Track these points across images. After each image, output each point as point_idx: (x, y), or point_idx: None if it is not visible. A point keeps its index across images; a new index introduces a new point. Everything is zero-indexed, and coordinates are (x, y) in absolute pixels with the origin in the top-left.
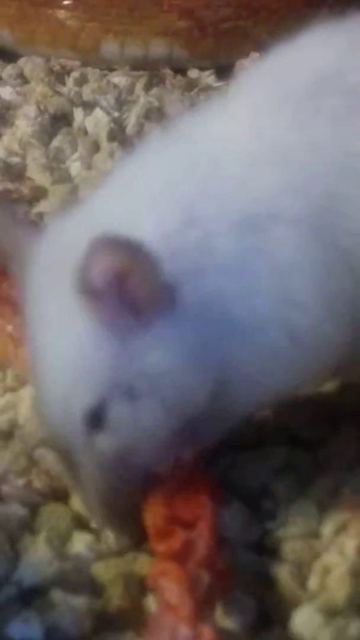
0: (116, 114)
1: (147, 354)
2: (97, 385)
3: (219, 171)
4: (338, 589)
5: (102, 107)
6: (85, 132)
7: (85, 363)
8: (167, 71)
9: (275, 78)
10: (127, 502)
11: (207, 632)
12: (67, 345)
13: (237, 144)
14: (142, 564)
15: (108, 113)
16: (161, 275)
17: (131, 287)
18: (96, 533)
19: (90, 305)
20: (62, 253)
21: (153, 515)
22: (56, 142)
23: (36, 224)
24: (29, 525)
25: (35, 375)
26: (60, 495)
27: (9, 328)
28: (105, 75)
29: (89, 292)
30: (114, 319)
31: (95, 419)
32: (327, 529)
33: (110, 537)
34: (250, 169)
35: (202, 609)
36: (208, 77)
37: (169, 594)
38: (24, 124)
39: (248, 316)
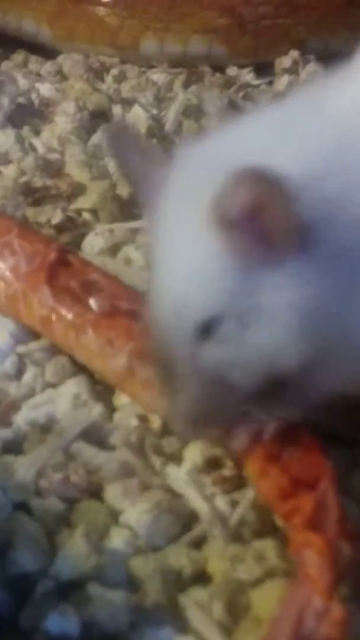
0: (155, 111)
1: (270, 290)
2: (215, 302)
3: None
4: None
5: (140, 104)
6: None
7: (210, 280)
8: (206, 68)
9: None
10: (214, 418)
11: (337, 610)
12: (195, 261)
13: None
14: (180, 558)
15: (146, 110)
16: (299, 215)
17: (267, 221)
18: (133, 529)
19: (224, 233)
20: (199, 176)
21: (273, 476)
22: (95, 138)
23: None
24: (66, 520)
25: (155, 284)
26: (97, 491)
27: (70, 316)
28: (144, 73)
29: (225, 220)
30: (245, 249)
31: (206, 330)
32: None
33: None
34: None
35: (338, 584)
36: (247, 75)
37: (310, 566)
38: (63, 121)
39: None
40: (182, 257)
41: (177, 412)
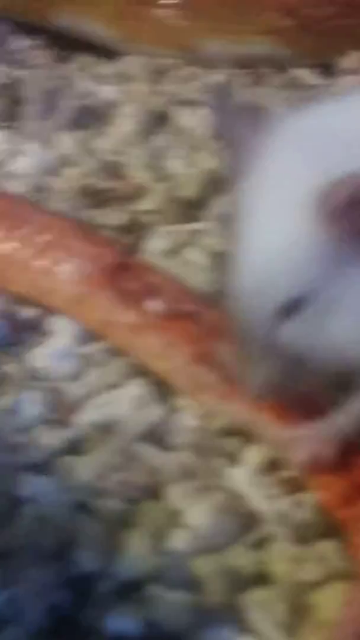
0: None
1: (357, 284)
2: (303, 284)
3: None
4: None
5: (202, 106)
6: (186, 131)
7: (301, 262)
8: (268, 70)
9: None
10: (288, 388)
11: None
12: (288, 240)
13: None
14: (241, 559)
15: (209, 112)
16: None
17: None
18: (194, 529)
19: (323, 221)
20: (302, 156)
21: (332, 483)
22: (156, 141)
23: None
24: (126, 520)
25: (243, 256)
26: (157, 491)
27: (131, 319)
28: (206, 74)
29: (326, 209)
30: (342, 239)
31: (291, 309)
32: None
33: None
34: None
35: None
36: (309, 76)
37: None
38: (125, 123)
39: None
40: (276, 234)
41: (254, 380)
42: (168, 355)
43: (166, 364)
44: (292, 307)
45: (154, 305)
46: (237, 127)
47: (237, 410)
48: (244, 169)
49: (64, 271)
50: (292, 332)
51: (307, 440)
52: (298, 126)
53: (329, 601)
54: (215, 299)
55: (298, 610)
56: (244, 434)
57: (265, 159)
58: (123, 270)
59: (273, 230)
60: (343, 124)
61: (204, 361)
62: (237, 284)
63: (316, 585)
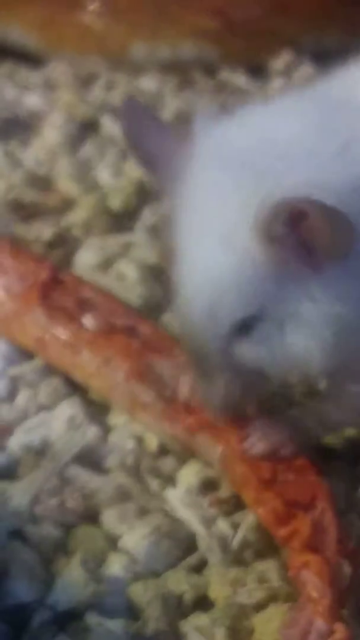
0: None
1: (307, 299)
2: (253, 304)
3: None
4: None
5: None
6: (114, 140)
7: (249, 281)
8: (197, 74)
9: None
10: (246, 407)
11: (340, 631)
12: (235, 261)
13: None
14: (180, 583)
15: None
16: (342, 226)
17: (310, 233)
18: (131, 554)
19: (266, 243)
20: (233, 174)
21: (268, 500)
22: (84, 150)
23: None
24: (63, 547)
25: (187, 280)
26: (93, 515)
27: (65, 336)
28: (133, 80)
29: (269, 230)
30: (287, 258)
31: (243, 328)
32: None
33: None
34: None
35: (341, 604)
36: (239, 78)
37: (310, 587)
38: (51, 133)
39: None
40: (221, 256)
41: (211, 399)
42: (104, 372)
43: (102, 382)
44: (242, 327)
45: (88, 321)
46: (154, 143)
47: (174, 428)
48: (170, 186)
49: None
50: (245, 350)
51: (266, 433)
52: (227, 137)
53: (269, 623)
54: (149, 313)
55: (238, 635)
56: (180, 454)
57: (196, 176)
58: (54, 286)
59: (217, 252)
60: (274, 133)
61: (141, 378)
62: (186, 308)
63: (257, 607)
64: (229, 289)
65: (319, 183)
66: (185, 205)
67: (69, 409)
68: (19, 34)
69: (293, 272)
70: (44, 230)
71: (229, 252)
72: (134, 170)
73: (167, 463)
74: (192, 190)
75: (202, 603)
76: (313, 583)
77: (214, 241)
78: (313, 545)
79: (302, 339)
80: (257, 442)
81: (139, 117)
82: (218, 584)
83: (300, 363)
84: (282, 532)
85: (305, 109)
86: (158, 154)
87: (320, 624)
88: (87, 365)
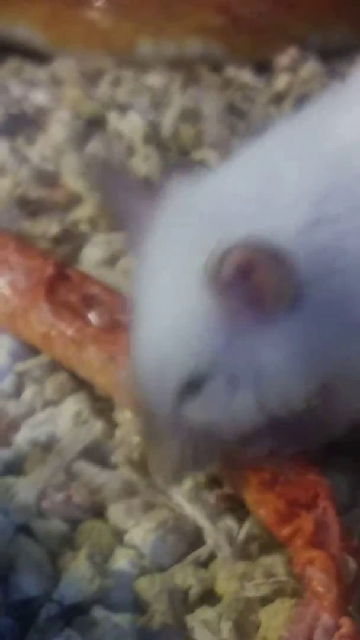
0: (151, 117)
1: (262, 349)
2: (202, 360)
3: (348, 168)
4: None
5: (136, 110)
6: (120, 136)
7: (198, 337)
8: (203, 70)
9: None
10: (199, 465)
11: (347, 625)
12: (183, 316)
13: None
14: (186, 578)
15: (143, 116)
16: (290, 273)
17: (259, 282)
18: (138, 548)
19: (215, 294)
20: (190, 231)
21: (270, 503)
22: (90, 147)
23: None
24: (69, 541)
25: (138, 336)
26: (100, 510)
27: (70, 332)
28: (139, 77)
29: (217, 281)
30: (236, 310)
31: (191, 388)
32: None
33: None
34: None
35: (347, 600)
36: (245, 75)
37: (316, 583)
38: (58, 130)
39: None
40: (170, 311)
41: (161, 463)
42: (109, 368)
43: (107, 378)
44: (192, 384)
45: (93, 317)
46: (124, 204)
47: None
48: (136, 241)
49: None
50: (199, 410)
51: (266, 434)
52: (190, 196)
53: (276, 618)
54: None
55: (245, 629)
56: None
57: (157, 233)
58: (60, 282)
59: (167, 306)
60: (231, 187)
61: None
62: (136, 364)
63: (263, 602)
64: (178, 344)
65: (269, 231)
66: (144, 261)
67: (75, 404)
68: (25, 30)
69: (244, 323)
70: (50, 226)
71: (179, 306)
72: (140, 167)
73: None
74: (152, 246)
75: (209, 597)
76: (319, 578)
77: (165, 295)
78: (316, 543)
79: (246, 399)
80: (258, 445)
81: (111, 177)
82: (224, 578)
83: (245, 423)
84: (285, 531)
85: (262, 160)
86: (128, 214)
87: (326, 618)
88: (92, 361)
